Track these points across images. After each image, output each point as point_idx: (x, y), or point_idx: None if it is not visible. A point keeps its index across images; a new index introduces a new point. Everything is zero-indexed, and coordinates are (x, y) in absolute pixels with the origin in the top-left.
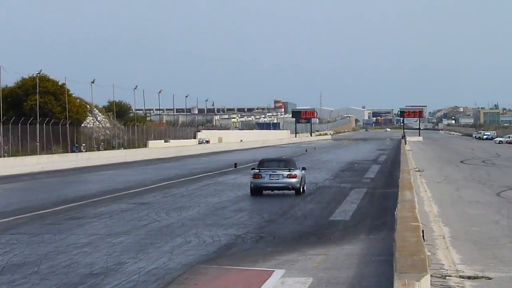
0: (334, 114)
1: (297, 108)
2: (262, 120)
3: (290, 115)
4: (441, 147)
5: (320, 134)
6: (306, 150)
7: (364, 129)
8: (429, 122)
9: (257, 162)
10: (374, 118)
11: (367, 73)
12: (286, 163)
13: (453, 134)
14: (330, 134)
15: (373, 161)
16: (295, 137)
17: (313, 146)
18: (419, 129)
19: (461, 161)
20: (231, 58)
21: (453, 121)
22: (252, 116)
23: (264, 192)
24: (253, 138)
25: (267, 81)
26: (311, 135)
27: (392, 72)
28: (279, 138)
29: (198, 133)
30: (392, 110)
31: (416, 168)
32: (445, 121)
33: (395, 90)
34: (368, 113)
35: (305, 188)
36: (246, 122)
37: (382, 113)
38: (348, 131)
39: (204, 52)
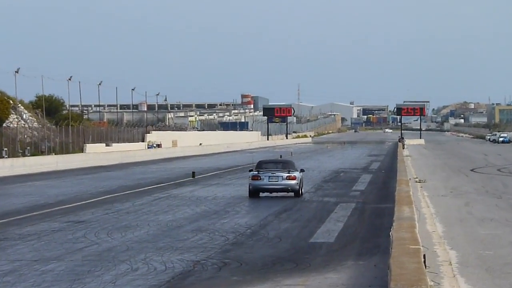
0: (315, 112)
1: (269, 104)
2: (226, 118)
3: (261, 113)
4: (447, 152)
5: (298, 136)
6: (280, 156)
7: (354, 130)
8: (432, 122)
9: (255, 164)
10: (365, 117)
11: (356, 61)
12: (285, 164)
13: (462, 136)
14: (310, 136)
15: (364, 170)
16: (267, 139)
17: (289, 151)
18: (420, 130)
19: (471, 170)
20: (189, 45)
21: (462, 120)
22: (214, 114)
23: (262, 194)
24: (216, 141)
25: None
26: (287, 137)
27: (387, 61)
28: (248, 142)
29: (148, 135)
30: (387, 106)
31: (417, 178)
32: (452, 120)
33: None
34: (358, 110)
35: (303, 190)
36: (207, 121)
37: (375, 110)
38: (332, 132)
39: (155, 37)
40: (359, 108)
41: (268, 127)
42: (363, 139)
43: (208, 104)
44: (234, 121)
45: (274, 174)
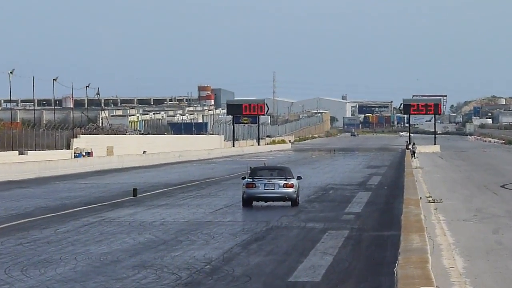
0: (296, 109)
1: (235, 99)
2: (178, 118)
3: (225, 111)
4: (470, 163)
5: (273, 142)
6: (250, 168)
7: (350, 134)
8: (450, 122)
9: (249, 171)
10: (362, 116)
11: (350, 45)
12: (281, 171)
13: (490, 141)
14: (289, 141)
15: (360, 186)
16: (233, 146)
17: (261, 162)
18: (434, 133)
19: (502, 186)
20: (129, 22)
21: (490, 120)
22: (163, 113)
23: (255, 203)
24: (164, 148)
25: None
26: (258, 143)
27: (391, 45)
28: (207, 149)
29: (75, 139)
30: (391, 102)
31: (430, 197)
32: (476, 120)
33: (395, 71)
34: (352, 107)
35: (299, 200)
36: (153, 121)
37: (375, 108)
38: (319, 136)
39: (84, 12)
40: (354, 104)
41: (233, 130)
42: (360, 146)
43: (154, 100)
44: (189, 121)
45: (271, 182)
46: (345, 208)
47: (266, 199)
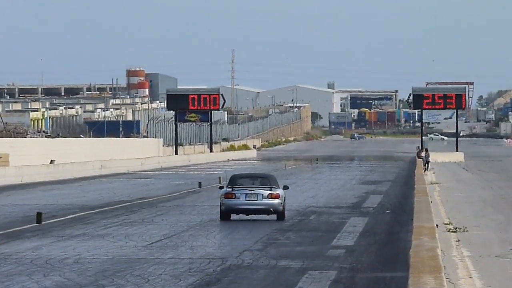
0: (264, 102)
1: (179, 88)
2: (99, 115)
3: (164, 104)
4: (506, 177)
5: (232, 148)
6: (199, 185)
7: (350, 137)
8: (478, 120)
9: (228, 180)
10: (355, 111)
11: (338, 14)
12: (265, 179)
13: None
14: (254, 147)
15: (353, 209)
16: (175, 153)
17: (216, 176)
18: (456, 135)
19: None
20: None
21: None
22: (78, 107)
23: (235, 216)
24: (80, 155)
25: (112, 31)
26: (211, 150)
27: (394, 12)
28: (139, 158)
29: None
30: (396, 92)
31: (451, 224)
32: None
33: (401, 50)
34: (342, 99)
35: (285, 213)
36: (64, 119)
37: (373, 99)
38: (296, 139)
39: None
40: (344, 95)
41: (176, 131)
42: (353, 153)
43: (66, 89)
44: (114, 119)
45: (253, 192)
46: (332, 240)
47: (247, 212)
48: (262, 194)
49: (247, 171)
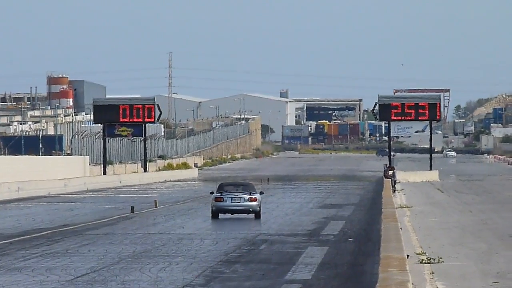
0: (206, 113)
1: (107, 98)
2: (15, 128)
3: (90, 116)
4: (488, 199)
5: (170, 166)
6: (132, 209)
7: (377, 153)
8: (456, 134)
9: (217, 187)
10: (313, 123)
11: (291, 14)
12: (246, 186)
13: None
14: (196, 165)
15: (311, 237)
16: (104, 173)
17: (150, 200)
18: (430, 151)
19: None
20: None
21: None
22: None
23: (222, 216)
24: None
25: (31, 33)
26: (145, 169)
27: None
28: (62, 178)
29: None
30: (360, 102)
31: (424, 253)
32: (497, 130)
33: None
34: (298, 109)
35: (261, 212)
36: None
37: (334, 110)
38: (244, 156)
39: None
40: (299, 105)
41: (105, 147)
42: (310, 172)
43: None
44: (33, 133)
45: (237, 196)
46: (286, 273)
47: (232, 211)
48: (244, 197)
49: (184, 197)
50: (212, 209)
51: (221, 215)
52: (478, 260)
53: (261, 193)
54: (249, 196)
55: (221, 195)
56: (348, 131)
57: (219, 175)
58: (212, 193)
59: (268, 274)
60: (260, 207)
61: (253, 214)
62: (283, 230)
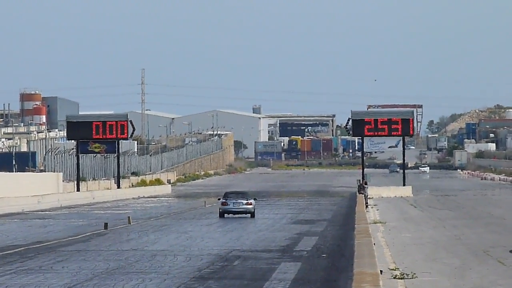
0: (179, 129)
1: (80, 114)
2: None
3: (63, 133)
4: (461, 214)
5: (143, 182)
6: (105, 226)
7: (389, 170)
8: (429, 149)
9: (223, 195)
10: (285, 139)
11: (263, 30)
12: (244, 194)
13: (493, 178)
14: (169, 181)
15: (284, 253)
16: (77, 189)
17: (124, 217)
18: (403, 166)
19: (511, 251)
20: None
21: (493, 145)
22: None
23: (227, 216)
24: None
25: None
26: (118, 185)
27: (329, 23)
28: (36, 195)
29: None
30: (333, 117)
31: (397, 269)
32: (470, 145)
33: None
34: (270, 125)
35: (255, 213)
36: None
37: (307, 125)
38: (217, 172)
39: None
40: (272, 121)
41: (78, 164)
42: (283, 188)
43: None
44: (7, 150)
45: (237, 201)
46: None
47: (234, 213)
48: (242, 202)
49: (158, 213)
50: (219, 211)
51: (226, 215)
52: (451, 275)
53: (255, 199)
54: (246, 201)
55: (226, 200)
56: (321, 147)
57: (193, 191)
58: (219, 199)
59: None
60: (254, 209)
61: (249, 214)
62: (256, 246)
